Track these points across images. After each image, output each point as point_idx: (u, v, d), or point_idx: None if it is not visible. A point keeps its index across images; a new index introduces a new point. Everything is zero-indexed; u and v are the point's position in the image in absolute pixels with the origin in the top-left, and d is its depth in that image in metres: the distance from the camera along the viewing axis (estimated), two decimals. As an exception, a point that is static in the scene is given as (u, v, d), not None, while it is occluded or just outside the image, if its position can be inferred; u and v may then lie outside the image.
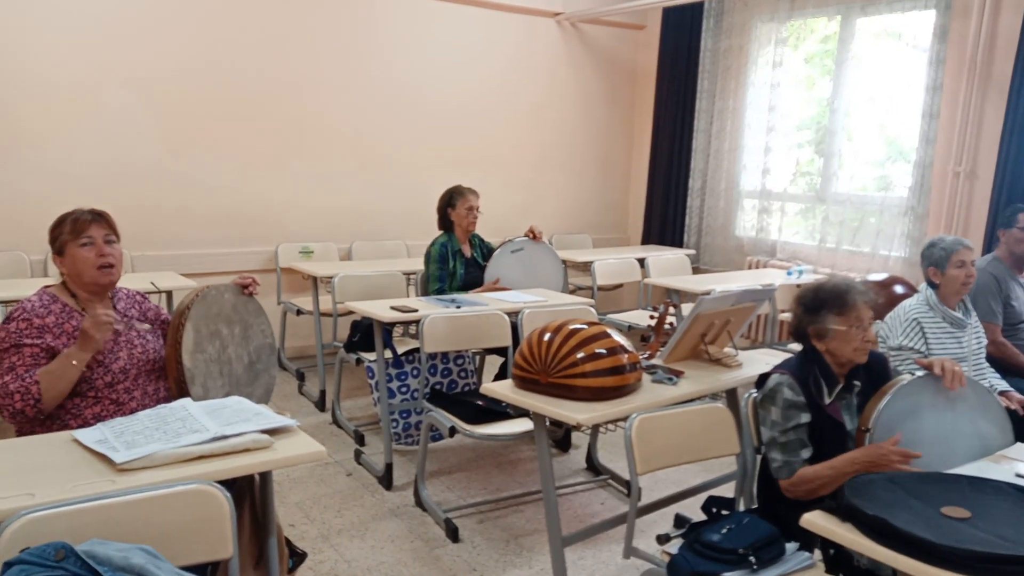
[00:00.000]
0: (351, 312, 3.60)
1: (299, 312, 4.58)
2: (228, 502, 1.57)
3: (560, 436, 3.82)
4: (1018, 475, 1.84)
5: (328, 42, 4.94)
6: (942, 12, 4.38)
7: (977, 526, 1.48)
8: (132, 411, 2.03)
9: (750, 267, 5.39)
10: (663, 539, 2.08)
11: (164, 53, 4.44)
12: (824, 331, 2.09)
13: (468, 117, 5.54)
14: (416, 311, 3.28)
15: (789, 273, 4.61)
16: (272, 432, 1.83)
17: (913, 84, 4.56)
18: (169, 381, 2.18)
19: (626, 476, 3.30)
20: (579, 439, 3.82)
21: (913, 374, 2.02)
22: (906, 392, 1.98)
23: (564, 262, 5.07)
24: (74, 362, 2.01)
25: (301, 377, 4.62)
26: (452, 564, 2.74)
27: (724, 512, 2.17)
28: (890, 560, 1.43)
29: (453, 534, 2.90)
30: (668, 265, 5.14)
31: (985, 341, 3.11)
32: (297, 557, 2.13)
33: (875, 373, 2.14)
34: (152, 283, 2.40)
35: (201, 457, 1.69)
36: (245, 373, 2.28)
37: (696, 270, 5.50)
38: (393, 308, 3.33)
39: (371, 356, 3.52)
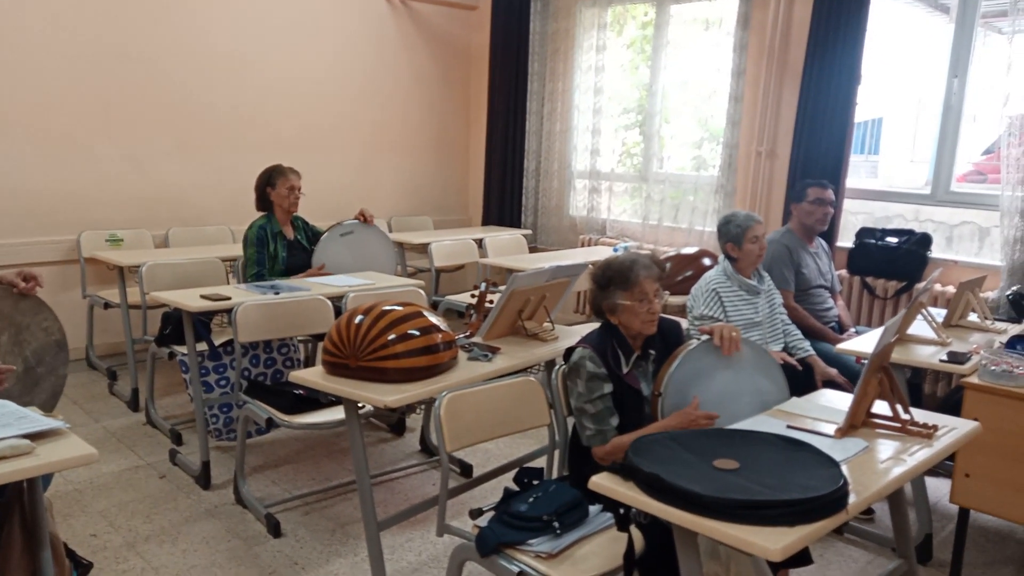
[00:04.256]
0: (164, 304, 3.36)
1: (107, 305, 4.22)
2: (-26, 517, 1.42)
3: (394, 420, 3.78)
4: (789, 427, 2.01)
5: (140, 8, 4.55)
6: (745, 0, 4.67)
7: (744, 476, 1.59)
8: None
9: (583, 245, 5.56)
10: (475, 513, 2.11)
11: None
12: (614, 306, 2.18)
13: (296, 95, 5.31)
14: (229, 299, 3.11)
15: (615, 250, 4.80)
16: (37, 436, 1.67)
17: (722, 69, 4.85)
18: None
19: (460, 456, 3.32)
20: (414, 422, 3.80)
21: (699, 339, 2.15)
22: (693, 357, 2.11)
23: (401, 245, 5.01)
24: None
25: (113, 376, 4.27)
26: (272, 560, 2.64)
27: (535, 482, 2.23)
28: (663, 513, 1.51)
29: (275, 529, 2.79)
30: (506, 245, 5.21)
31: (779, 302, 3.38)
32: (82, 568, 1.97)
33: (670, 340, 2.27)
34: None
35: (-54, 469, 1.52)
36: (19, 383, 2.06)
37: (533, 249, 5.61)
38: (204, 297, 3.15)
39: (184, 349, 3.31)
